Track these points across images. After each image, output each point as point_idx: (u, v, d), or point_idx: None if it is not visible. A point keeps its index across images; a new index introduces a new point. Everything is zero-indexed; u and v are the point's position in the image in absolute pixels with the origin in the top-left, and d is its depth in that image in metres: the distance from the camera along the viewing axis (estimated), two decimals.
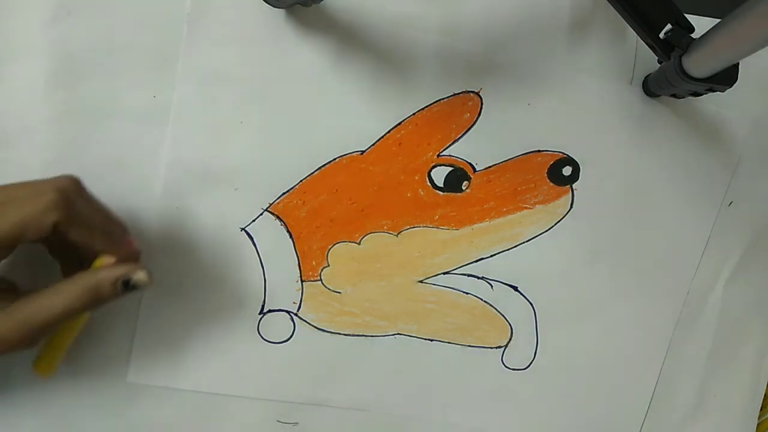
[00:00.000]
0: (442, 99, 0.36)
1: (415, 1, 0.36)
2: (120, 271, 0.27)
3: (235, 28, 0.34)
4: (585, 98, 0.37)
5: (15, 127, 0.32)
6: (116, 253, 0.28)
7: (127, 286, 0.27)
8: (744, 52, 0.28)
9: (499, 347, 0.37)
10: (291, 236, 0.35)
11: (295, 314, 0.35)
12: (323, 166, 0.35)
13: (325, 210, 0.35)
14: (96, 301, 0.27)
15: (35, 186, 0.26)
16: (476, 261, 0.37)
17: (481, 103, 0.36)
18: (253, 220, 0.35)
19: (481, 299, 0.37)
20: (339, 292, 0.36)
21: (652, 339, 0.39)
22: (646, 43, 0.34)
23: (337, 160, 0.35)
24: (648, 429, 0.39)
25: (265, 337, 0.35)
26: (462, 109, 0.36)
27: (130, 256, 0.29)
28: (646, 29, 0.32)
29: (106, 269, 0.27)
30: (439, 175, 0.36)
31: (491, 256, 0.37)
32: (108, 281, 0.27)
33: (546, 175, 0.37)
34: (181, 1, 0.33)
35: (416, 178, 0.36)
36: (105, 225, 0.28)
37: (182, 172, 0.34)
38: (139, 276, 0.27)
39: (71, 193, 0.26)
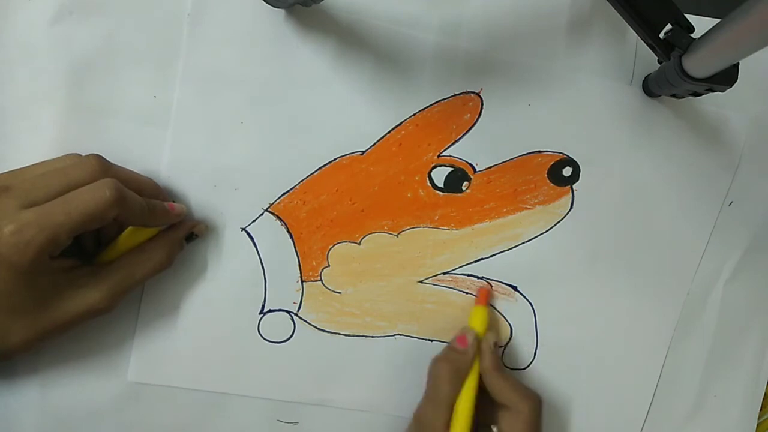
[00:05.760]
0: (443, 99, 0.36)
1: (415, 1, 0.36)
2: (186, 228, 0.33)
3: (235, 28, 0.34)
4: (585, 98, 0.37)
5: (18, 126, 0.32)
6: (163, 223, 0.32)
7: (189, 238, 0.33)
8: (744, 52, 0.28)
9: (499, 347, 0.37)
10: (291, 236, 0.35)
11: (296, 314, 0.35)
12: (323, 166, 0.35)
13: (325, 210, 0.35)
14: (172, 259, 0.32)
15: (92, 175, 0.28)
16: (476, 261, 0.37)
17: (482, 104, 0.36)
18: (254, 220, 0.35)
19: None
20: (339, 293, 0.36)
21: (652, 339, 0.39)
22: (646, 43, 0.34)
23: (337, 160, 0.35)
24: (648, 429, 0.39)
25: (265, 337, 0.35)
26: (462, 109, 0.36)
27: (179, 216, 0.32)
28: (646, 29, 0.32)
29: (175, 229, 0.32)
30: (440, 175, 0.36)
31: (491, 256, 0.37)
32: (180, 239, 0.32)
33: (546, 175, 0.37)
34: (182, 1, 0.33)
35: (416, 178, 0.36)
36: (149, 208, 0.30)
37: (183, 171, 0.34)
38: (200, 228, 0.33)
39: (123, 190, 0.28)
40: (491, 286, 0.37)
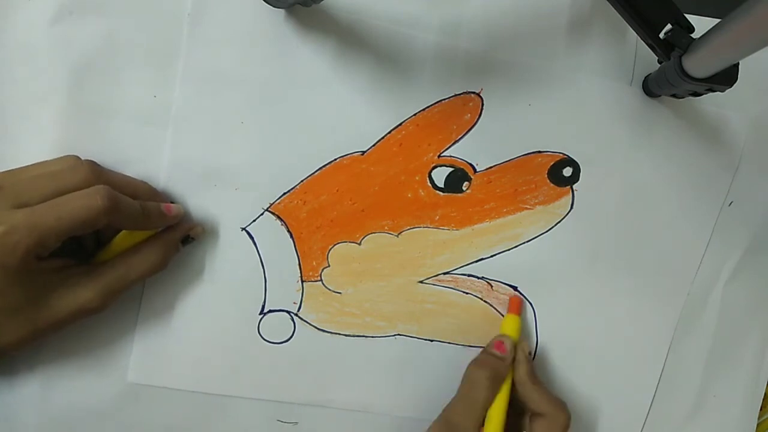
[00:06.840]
0: (443, 99, 0.36)
1: (415, 1, 0.36)
2: (183, 230, 0.32)
3: (235, 28, 0.34)
4: (585, 98, 0.37)
5: (18, 126, 0.32)
6: (159, 226, 0.32)
7: (186, 241, 0.32)
8: (744, 52, 0.28)
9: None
10: (291, 236, 0.35)
11: (296, 314, 0.35)
12: (324, 166, 0.35)
13: (325, 210, 0.35)
14: (167, 261, 0.32)
15: (85, 180, 0.29)
16: (476, 261, 0.37)
17: (482, 104, 0.36)
18: (254, 220, 0.35)
19: (481, 299, 0.37)
20: (339, 293, 0.36)
21: (652, 339, 0.39)
22: (646, 43, 0.34)
23: (337, 160, 0.35)
24: (648, 429, 0.39)
25: (265, 338, 0.35)
26: (463, 109, 0.36)
27: (175, 218, 0.32)
28: (646, 29, 0.32)
29: (172, 231, 0.32)
30: (440, 175, 0.36)
31: (491, 256, 0.37)
32: (176, 241, 0.32)
33: (546, 175, 0.37)
34: (182, 1, 0.33)
35: (417, 178, 0.36)
36: (144, 213, 0.30)
37: (183, 171, 0.34)
38: (196, 230, 0.33)
39: (116, 197, 0.28)
40: (521, 297, 0.37)
